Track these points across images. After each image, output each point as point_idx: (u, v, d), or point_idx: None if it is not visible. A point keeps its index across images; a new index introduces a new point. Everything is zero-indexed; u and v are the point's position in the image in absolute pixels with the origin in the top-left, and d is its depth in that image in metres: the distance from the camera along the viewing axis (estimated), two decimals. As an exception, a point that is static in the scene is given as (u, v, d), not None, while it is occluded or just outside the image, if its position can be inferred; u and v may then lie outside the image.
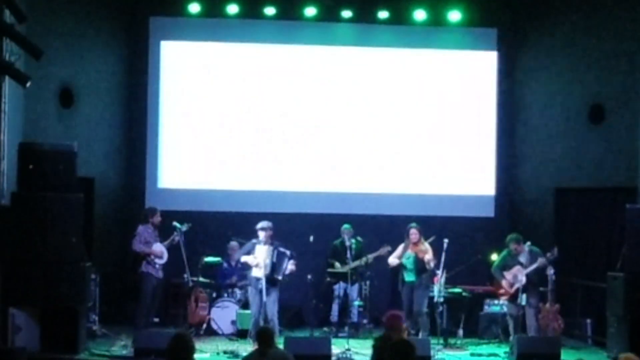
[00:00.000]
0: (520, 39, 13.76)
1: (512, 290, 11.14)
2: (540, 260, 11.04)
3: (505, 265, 11.31)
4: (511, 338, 10.83)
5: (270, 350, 7.13)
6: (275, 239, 11.10)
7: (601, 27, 12.89)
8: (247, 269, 11.19)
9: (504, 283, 11.28)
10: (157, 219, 11.67)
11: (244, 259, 11.10)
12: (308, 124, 13.64)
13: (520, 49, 13.76)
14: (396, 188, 13.64)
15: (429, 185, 13.68)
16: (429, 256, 11.33)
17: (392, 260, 11.66)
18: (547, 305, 11.43)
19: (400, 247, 11.63)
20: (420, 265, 11.43)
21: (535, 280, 11.17)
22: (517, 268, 11.13)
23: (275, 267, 10.86)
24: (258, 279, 10.81)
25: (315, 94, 13.62)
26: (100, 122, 13.14)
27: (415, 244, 11.50)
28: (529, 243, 11.27)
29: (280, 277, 10.98)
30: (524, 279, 11.01)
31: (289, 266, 11.05)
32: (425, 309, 11.40)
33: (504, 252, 11.40)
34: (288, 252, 11.01)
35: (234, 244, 12.44)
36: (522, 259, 11.20)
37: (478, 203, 13.69)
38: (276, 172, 13.57)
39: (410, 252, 11.51)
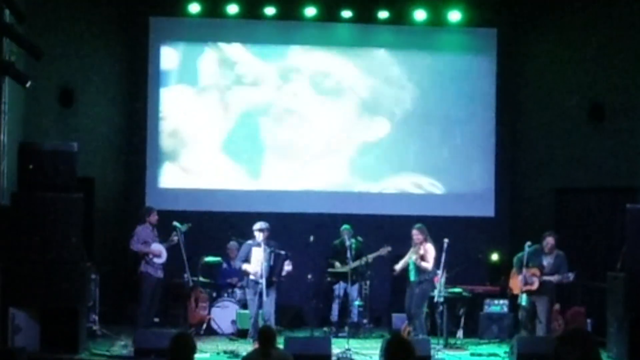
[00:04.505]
0: (520, 39, 13.75)
1: (523, 289, 10.98)
2: (557, 278, 10.89)
3: (528, 260, 10.93)
4: (517, 335, 10.74)
5: (273, 350, 7.09)
6: (270, 239, 11.06)
7: (601, 26, 12.88)
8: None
9: (519, 277, 11.02)
10: (154, 217, 11.67)
11: (244, 267, 11.09)
12: (308, 124, 13.64)
13: (520, 49, 13.76)
14: (396, 188, 13.65)
15: (429, 185, 13.68)
16: (425, 263, 11.08)
17: (398, 266, 11.42)
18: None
19: (409, 253, 11.31)
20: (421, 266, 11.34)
21: (549, 287, 11.02)
22: (532, 271, 10.95)
23: (272, 269, 10.88)
24: (257, 282, 10.82)
25: (315, 94, 13.61)
26: (100, 122, 13.14)
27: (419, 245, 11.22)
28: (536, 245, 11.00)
29: (277, 279, 11.00)
30: (535, 285, 10.90)
31: (285, 267, 11.07)
32: (421, 311, 11.16)
33: (534, 247, 11.02)
34: (283, 253, 11.00)
35: (233, 244, 12.45)
36: (545, 261, 11.07)
37: (478, 203, 13.68)
38: (276, 172, 13.57)
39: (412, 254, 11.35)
